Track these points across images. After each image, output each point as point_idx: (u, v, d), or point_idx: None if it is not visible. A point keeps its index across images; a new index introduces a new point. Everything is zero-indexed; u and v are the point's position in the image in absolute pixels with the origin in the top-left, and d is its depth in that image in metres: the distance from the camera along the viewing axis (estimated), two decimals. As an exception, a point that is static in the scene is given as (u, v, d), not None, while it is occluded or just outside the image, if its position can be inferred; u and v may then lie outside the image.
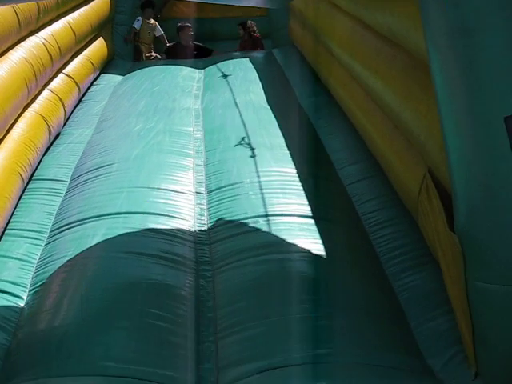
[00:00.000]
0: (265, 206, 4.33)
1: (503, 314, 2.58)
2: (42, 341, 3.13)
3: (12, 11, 5.32)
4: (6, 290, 3.61)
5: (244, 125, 5.99)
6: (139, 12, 10.51)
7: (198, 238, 4.11)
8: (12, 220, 4.41)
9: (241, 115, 6.32)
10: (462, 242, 2.66)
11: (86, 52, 8.14)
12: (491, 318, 2.62)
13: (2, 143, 4.83)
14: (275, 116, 6.32)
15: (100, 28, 9.04)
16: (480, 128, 2.48)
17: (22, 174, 4.82)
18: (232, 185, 4.72)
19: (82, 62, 7.84)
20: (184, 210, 4.42)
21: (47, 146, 5.78)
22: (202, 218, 4.38)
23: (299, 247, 3.83)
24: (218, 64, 8.81)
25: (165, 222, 4.18)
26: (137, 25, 10.38)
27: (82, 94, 7.52)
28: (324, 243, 3.88)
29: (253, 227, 4.09)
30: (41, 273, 3.80)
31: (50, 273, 3.73)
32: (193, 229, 4.21)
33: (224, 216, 4.31)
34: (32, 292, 3.62)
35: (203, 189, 4.81)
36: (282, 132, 5.82)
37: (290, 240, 3.90)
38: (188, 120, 6.42)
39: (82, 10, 8.10)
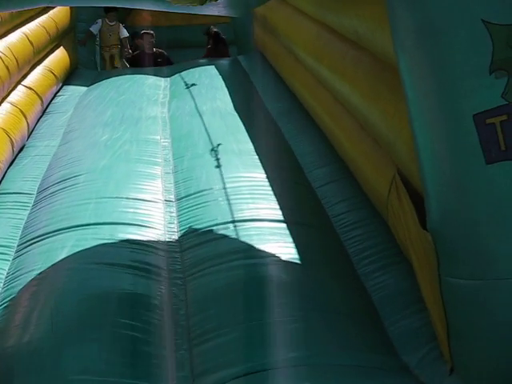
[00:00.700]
0: (235, 211, 4.32)
1: (476, 308, 2.60)
2: (12, 357, 3.06)
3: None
4: (-26, 306, 3.54)
5: (210, 132, 5.97)
6: (103, 16, 10.23)
7: (169, 246, 4.08)
8: (-23, 235, 4.33)
9: (207, 122, 6.30)
10: (434, 239, 2.67)
11: (46, 63, 8.01)
12: (464, 313, 2.64)
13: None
14: (243, 122, 6.32)
15: (60, 37, 8.91)
16: (450, 126, 2.50)
17: (-15, 188, 4.75)
18: (201, 192, 4.70)
19: (43, 73, 7.72)
20: (154, 218, 4.38)
21: (11, 160, 5.69)
22: (172, 225, 4.35)
23: (271, 252, 3.82)
24: (183, 72, 8.79)
25: (135, 232, 4.15)
26: (94, 28, 9.98)
27: (45, 106, 7.42)
28: (295, 246, 3.88)
29: (223, 233, 4.08)
30: (9, 288, 3.72)
31: (19, 287, 3.66)
32: (163, 237, 4.18)
33: (194, 223, 4.29)
34: (1, 307, 3.54)
35: (172, 196, 4.78)
36: (250, 138, 5.82)
37: (262, 245, 3.89)
38: (155, 128, 6.39)
39: (39, 20, 7.95)
